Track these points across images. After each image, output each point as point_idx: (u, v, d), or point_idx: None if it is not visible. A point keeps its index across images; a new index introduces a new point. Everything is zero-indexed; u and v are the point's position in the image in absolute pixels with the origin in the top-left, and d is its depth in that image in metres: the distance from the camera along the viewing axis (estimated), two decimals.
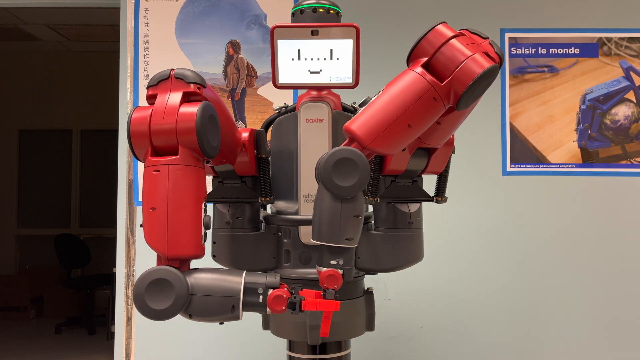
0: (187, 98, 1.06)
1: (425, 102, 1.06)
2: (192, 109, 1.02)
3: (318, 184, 1.08)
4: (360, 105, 1.11)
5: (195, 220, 1.03)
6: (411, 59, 1.11)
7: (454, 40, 1.06)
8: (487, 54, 1.05)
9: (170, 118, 1.02)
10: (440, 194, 1.36)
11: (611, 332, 2.25)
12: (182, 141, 1.02)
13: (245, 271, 1.06)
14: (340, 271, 1.05)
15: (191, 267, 1.07)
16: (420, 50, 1.09)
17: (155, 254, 1.04)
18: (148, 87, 1.08)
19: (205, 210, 1.07)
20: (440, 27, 1.09)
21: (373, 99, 1.09)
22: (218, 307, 1.01)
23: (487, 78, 1.05)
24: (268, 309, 1.02)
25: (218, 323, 1.04)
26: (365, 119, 1.06)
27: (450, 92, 1.07)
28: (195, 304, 1.01)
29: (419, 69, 1.07)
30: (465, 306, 2.27)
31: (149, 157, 1.03)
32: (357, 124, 1.06)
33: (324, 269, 1.06)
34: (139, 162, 2.15)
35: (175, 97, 1.04)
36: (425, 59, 1.08)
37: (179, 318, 1.03)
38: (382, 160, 1.22)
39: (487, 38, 1.10)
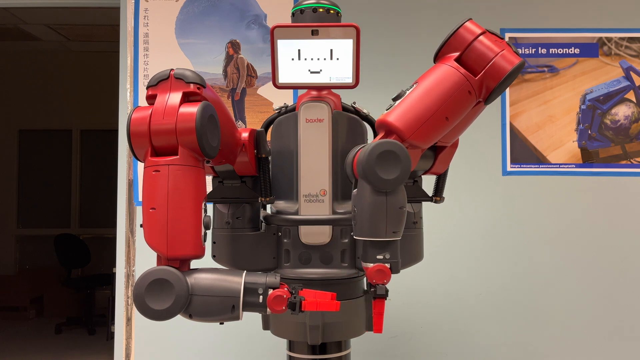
0: (186, 98, 1.05)
1: (461, 95, 1.09)
2: (192, 109, 1.02)
3: (352, 180, 1.08)
4: (394, 99, 1.12)
5: (195, 220, 1.03)
6: (439, 56, 1.15)
7: (482, 37, 1.11)
8: None
9: (170, 118, 1.02)
10: (438, 194, 1.37)
11: (611, 331, 2.25)
12: (182, 141, 1.02)
13: (245, 271, 1.06)
14: (388, 265, 1.05)
15: (191, 267, 1.07)
16: (450, 46, 1.13)
17: (155, 254, 1.04)
18: (148, 87, 1.08)
19: (205, 210, 1.07)
20: (469, 24, 1.14)
21: (408, 92, 1.10)
22: (218, 307, 1.01)
23: (516, 73, 1.10)
24: (268, 309, 1.02)
25: (218, 323, 1.04)
26: (403, 111, 1.08)
27: (482, 87, 1.11)
28: (196, 304, 1.01)
29: (453, 64, 1.11)
30: (465, 306, 2.27)
31: (149, 157, 1.03)
32: (394, 116, 1.08)
33: (370, 265, 1.05)
34: (139, 162, 2.15)
35: (175, 97, 1.04)
36: (457, 54, 1.11)
37: (179, 318, 1.03)
38: None
39: (503, 39, 1.15)
